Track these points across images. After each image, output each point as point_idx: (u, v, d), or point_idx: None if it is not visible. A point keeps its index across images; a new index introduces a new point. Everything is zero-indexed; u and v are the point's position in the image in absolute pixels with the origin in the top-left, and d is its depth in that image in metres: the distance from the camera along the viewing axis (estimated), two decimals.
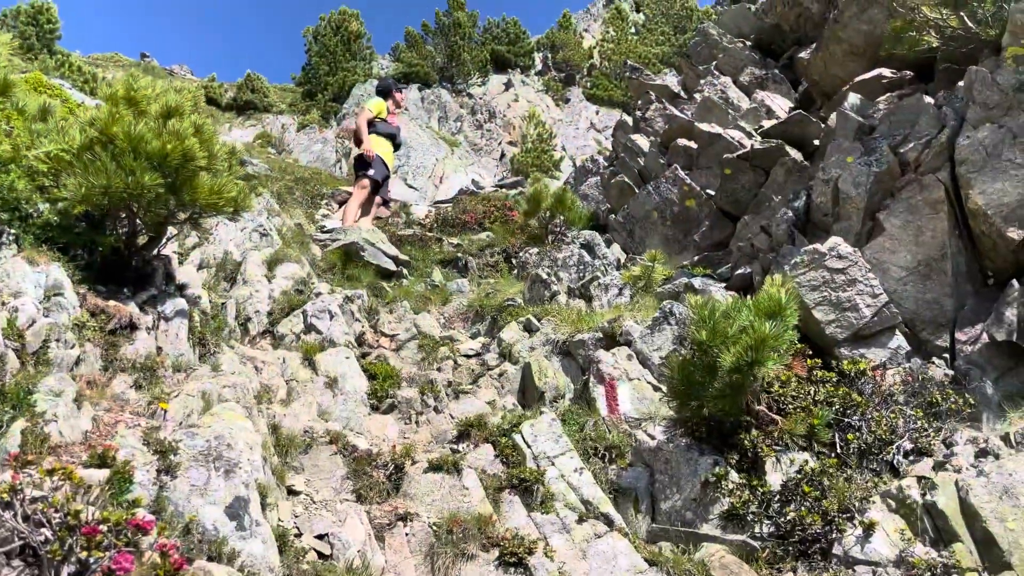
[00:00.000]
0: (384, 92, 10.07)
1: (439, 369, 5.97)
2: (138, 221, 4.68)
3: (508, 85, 27.79)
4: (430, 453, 4.40)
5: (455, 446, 4.59)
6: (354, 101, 23.83)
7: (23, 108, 4.71)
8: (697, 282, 6.41)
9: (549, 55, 31.93)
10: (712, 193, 8.00)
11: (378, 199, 9.66)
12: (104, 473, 2.62)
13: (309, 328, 5.93)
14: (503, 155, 23.86)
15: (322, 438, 4.43)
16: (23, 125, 4.45)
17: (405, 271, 8.54)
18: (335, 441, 4.41)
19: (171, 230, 5.07)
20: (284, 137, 21.86)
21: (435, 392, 5.30)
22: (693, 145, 8.57)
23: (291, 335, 5.88)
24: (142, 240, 4.86)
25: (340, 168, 18.87)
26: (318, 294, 6.40)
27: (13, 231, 4.08)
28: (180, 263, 5.94)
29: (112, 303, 4.30)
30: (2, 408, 3.00)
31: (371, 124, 9.53)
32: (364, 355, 6.01)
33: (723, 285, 6.40)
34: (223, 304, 5.73)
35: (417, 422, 5.11)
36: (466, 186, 15.97)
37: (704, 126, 8.51)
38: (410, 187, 18.35)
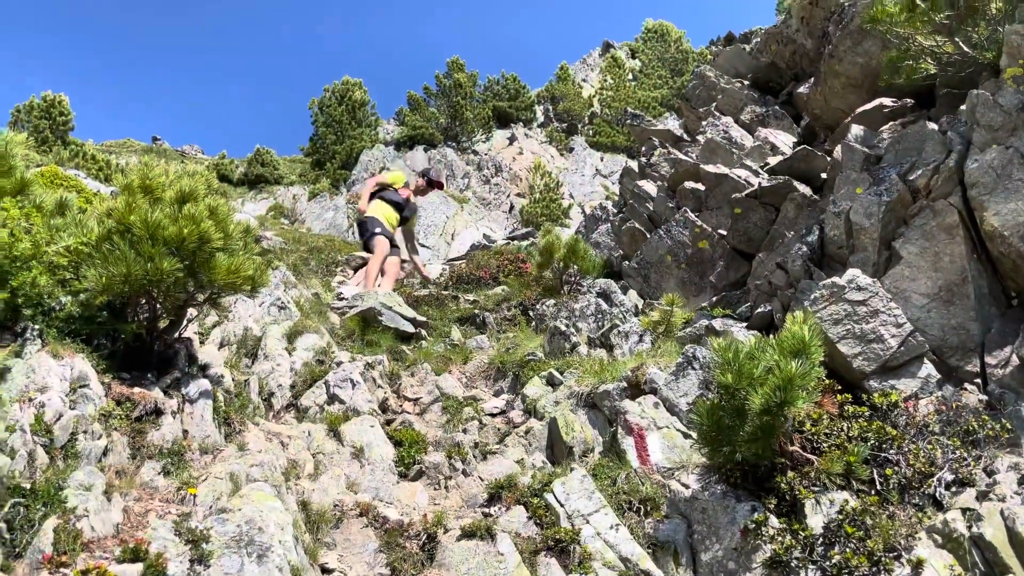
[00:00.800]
0: (423, 173, 10.86)
1: (464, 430, 5.92)
2: (158, 306, 4.74)
3: (512, 139, 28.19)
4: (462, 519, 4.34)
5: (487, 509, 4.52)
6: (362, 167, 24.25)
7: (41, 204, 4.80)
8: (718, 323, 6.36)
9: (550, 107, 32.43)
10: (724, 233, 8.01)
11: (395, 259, 9.82)
12: (138, 568, 2.61)
13: (332, 398, 5.92)
14: (512, 207, 24.08)
15: (352, 511, 4.38)
16: (42, 221, 4.53)
17: (424, 332, 8.54)
18: (365, 513, 4.36)
19: (191, 311, 5.11)
20: (296, 207, 22.19)
21: (462, 455, 5.25)
22: (700, 187, 8.61)
23: (315, 407, 5.87)
24: (163, 324, 4.90)
25: (352, 233, 19.08)
26: (339, 363, 6.40)
27: (37, 326, 4.13)
28: (201, 343, 5.98)
29: (137, 390, 4.32)
30: (34, 506, 3.00)
31: (382, 189, 9.99)
32: (388, 421, 5.98)
33: (744, 325, 6.36)
34: (246, 381, 5.75)
35: (446, 487, 5.05)
36: (478, 241, 16.10)
37: (710, 167, 8.55)
38: (423, 246, 18.50)
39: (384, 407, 6.27)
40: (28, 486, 3.11)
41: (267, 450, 4.48)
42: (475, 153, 26.72)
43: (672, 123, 16.29)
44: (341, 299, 9.10)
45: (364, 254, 11.50)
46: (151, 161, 4.78)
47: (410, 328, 8.29)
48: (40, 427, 3.54)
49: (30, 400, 3.65)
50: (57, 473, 3.32)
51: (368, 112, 28.30)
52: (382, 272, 9.55)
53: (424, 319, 8.79)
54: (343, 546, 4.13)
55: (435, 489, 5.02)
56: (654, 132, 11.30)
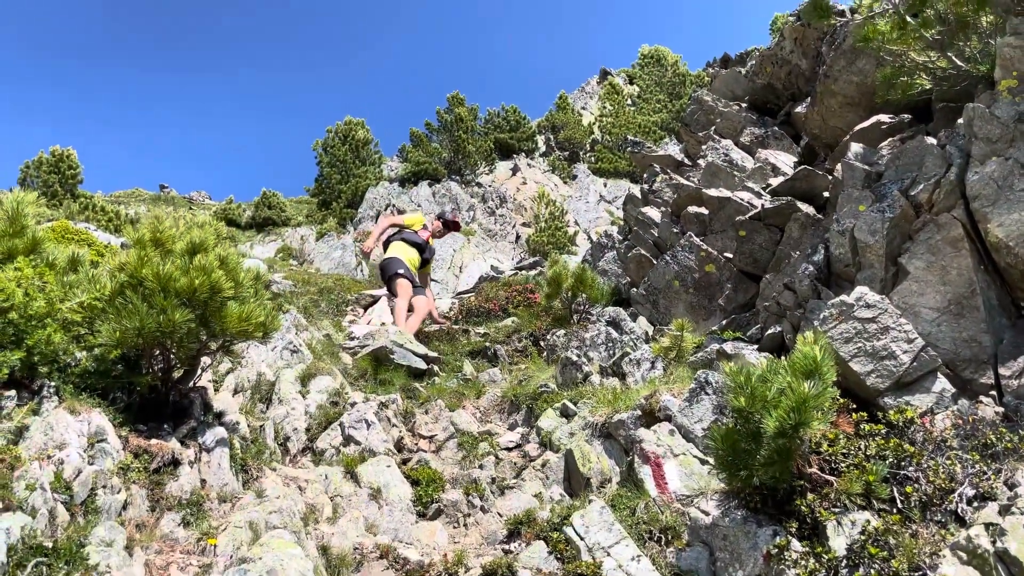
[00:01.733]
0: (439, 216, 11.11)
1: (481, 466, 5.92)
2: (172, 356, 4.78)
3: (515, 170, 28.39)
4: (482, 557, 4.33)
5: (507, 546, 4.51)
6: (368, 205, 24.44)
7: (53, 261, 4.88)
8: (728, 347, 6.36)
9: (551, 136, 32.72)
10: (730, 256, 8.03)
11: (422, 298, 9.89)
12: None
13: (348, 440, 5.93)
14: (518, 237, 24.18)
15: (372, 553, 4.38)
16: (55, 278, 4.60)
17: (436, 368, 8.56)
18: (386, 555, 4.35)
19: (205, 360, 5.16)
20: (304, 248, 22.35)
21: (480, 491, 5.25)
22: (704, 211, 8.65)
23: (331, 449, 5.88)
24: (177, 374, 4.95)
25: (362, 271, 19.19)
26: (353, 404, 6.42)
27: (53, 383, 4.18)
28: (216, 390, 6.02)
29: (154, 441, 4.36)
30: (56, 565, 3.02)
31: (400, 229, 10.28)
32: (404, 460, 5.98)
33: (755, 347, 6.35)
34: (261, 426, 5.77)
35: (465, 524, 5.04)
36: (486, 273, 16.15)
37: (712, 191, 8.60)
38: (433, 281, 18.59)
39: (400, 446, 6.28)
40: (50, 545, 3.14)
41: (285, 496, 4.49)
42: (479, 185, 26.91)
43: (672, 148, 16.41)
44: (353, 339, 9.14)
45: (376, 292, 11.61)
46: (161, 213, 4.86)
47: (422, 365, 8.31)
48: (60, 484, 3.57)
49: (49, 457, 3.68)
50: (78, 530, 3.35)
51: (371, 150, 28.64)
52: (410, 310, 9.65)
53: (436, 355, 8.81)
54: None
55: (454, 527, 5.01)
56: (655, 158, 11.38)
